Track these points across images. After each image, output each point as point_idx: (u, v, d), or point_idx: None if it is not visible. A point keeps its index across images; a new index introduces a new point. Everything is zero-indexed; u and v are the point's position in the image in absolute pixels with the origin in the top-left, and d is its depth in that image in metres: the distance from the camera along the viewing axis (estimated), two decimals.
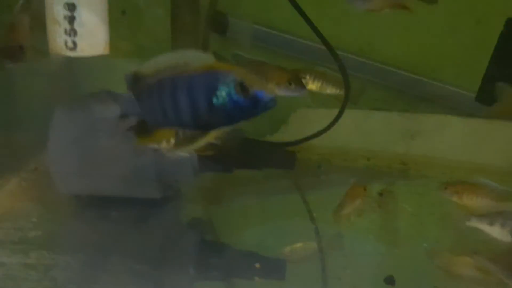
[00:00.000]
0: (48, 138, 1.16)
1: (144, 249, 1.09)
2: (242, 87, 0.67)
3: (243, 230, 1.23)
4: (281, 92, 1.07)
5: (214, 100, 0.67)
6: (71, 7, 0.91)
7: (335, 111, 1.38)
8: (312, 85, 1.14)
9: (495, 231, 0.94)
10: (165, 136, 0.71)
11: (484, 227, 0.95)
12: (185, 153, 0.92)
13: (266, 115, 1.87)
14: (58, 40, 0.92)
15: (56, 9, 0.91)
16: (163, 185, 1.21)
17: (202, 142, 0.71)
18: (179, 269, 1.04)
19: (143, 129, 0.72)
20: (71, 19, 0.91)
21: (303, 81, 1.13)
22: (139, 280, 0.99)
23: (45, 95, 1.46)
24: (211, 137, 0.70)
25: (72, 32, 0.92)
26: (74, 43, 0.92)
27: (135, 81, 0.69)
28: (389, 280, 0.96)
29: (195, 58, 0.68)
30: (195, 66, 0.68)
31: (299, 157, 1.54)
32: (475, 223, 0.97)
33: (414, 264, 1.00)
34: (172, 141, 0.82)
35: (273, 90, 0.69)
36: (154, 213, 1.21)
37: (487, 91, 1.03)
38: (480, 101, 1.04)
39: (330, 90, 1.16)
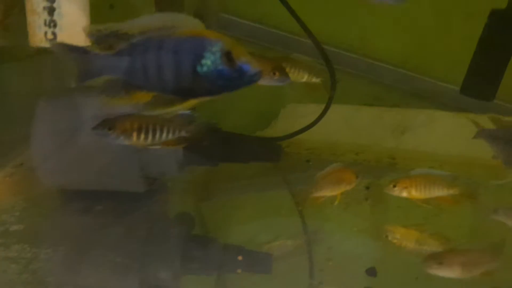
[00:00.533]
0: (32, 132, 1.16)
1: (128, 243, 1.08)
2: (229, 58, 0.64)
3: (231, 225, 1.22)
4: (265, 81, 1.06)
5: (199, 67, 0.64)
6: None
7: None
8: (289, 74, 1.14)
9: None
10: (140, 99, 0.68)
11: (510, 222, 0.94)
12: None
13: (256, 111, 1.87)
14: (38, 32, 0.92)
15: (36, 0, 0.90)
16: (148, 179, 1.20)
17: (179, 108, 0.68)
18: (164, 263, 1.04)
19: (120, 89, 0.69)
20: (51, 10, 0.91)
21: None
22: (122, 273, 0.98)
23: (32, 91, 1.45)
24: (189, 105, 0.68)
25: (52, 23, 0.91)
26: (54, 34, 0.92)
27: (111, 38, 0.66)
28: (371, 271, 0.96)
29: (183, 22, 0.66)
30: (182, 30, 0.65)
31: (288, 152, 1.54)
32: (501, 217, 0.95)
33: (397, 256, 1.00)
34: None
35: (258, 65, 0.67)
36: (139, 206, 1.20)
37: (471, 84, 1.03)
38: (465, 93, 1.04)
39: (307, 78, 1.16)
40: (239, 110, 1.76)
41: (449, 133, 1.64)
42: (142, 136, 0.90)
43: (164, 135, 0.92)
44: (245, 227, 1.22)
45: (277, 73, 1.05)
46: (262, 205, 1.34)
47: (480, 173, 1.44)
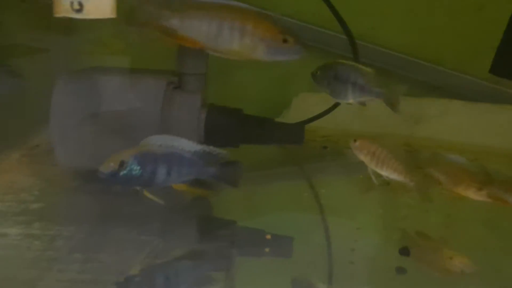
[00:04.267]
0: (49, 112, 1.13)
1: (147, 221, 1.06)
2: None
3: (248, 216, 1.19)
4: (273, 54, 0.81)
5: None
6: None
7: None
8: None
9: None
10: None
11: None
12: None
13: (267, 100, 1.83)
14: (64, 2, 0.89)
15: None
16: None
17: None
18: (185, 240, 1.02)
19: None
20: None
21: None
22: (142, 249, 0.96)
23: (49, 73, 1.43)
24: None
25: None
26: (81, 4, 0.89)
27: None
28: (403, 251, 0.94)
29: None
30: None
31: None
32: None
33: None
34: None
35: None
36: None
37: (501, 63, 1.02)
38: (494, 72, 1.02)
39: None
40: (250, 100, 1.73)
41: (463, 122, 1.63)
42: None
43: None
44: (260, 219, 1.19)
45: (289, 40, 0.77)
46: (280, 196, 1.31)
47: (497, 162, 1.44)
